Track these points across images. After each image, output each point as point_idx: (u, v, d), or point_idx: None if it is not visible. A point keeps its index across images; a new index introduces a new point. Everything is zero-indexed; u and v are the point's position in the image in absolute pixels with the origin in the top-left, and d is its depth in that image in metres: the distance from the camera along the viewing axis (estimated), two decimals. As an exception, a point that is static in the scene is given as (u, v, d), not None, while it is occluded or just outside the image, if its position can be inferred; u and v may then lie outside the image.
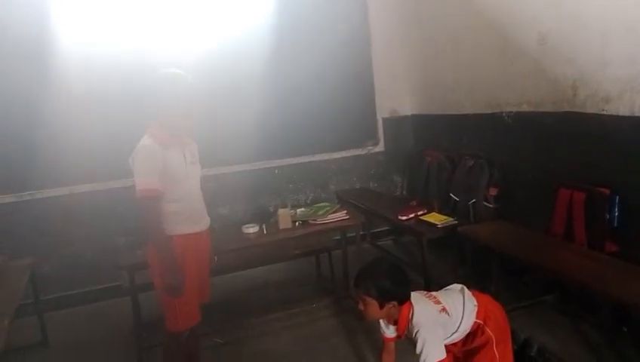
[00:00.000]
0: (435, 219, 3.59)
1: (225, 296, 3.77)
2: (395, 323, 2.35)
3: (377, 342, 2.80)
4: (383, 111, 5.00)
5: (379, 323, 2.46)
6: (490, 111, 3.89)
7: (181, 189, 2.39)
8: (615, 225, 2.89)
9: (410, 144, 5.05)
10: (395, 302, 2.25)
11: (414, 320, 2.27)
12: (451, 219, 3.57)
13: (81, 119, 3.89)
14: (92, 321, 3.79)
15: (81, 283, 4.09)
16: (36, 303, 3.42)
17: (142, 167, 2.29)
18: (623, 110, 2.82)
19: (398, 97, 5.03)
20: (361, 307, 2.31)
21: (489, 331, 2.42)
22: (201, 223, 2.50)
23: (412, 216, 3.70)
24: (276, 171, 4.62)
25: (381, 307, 2.26)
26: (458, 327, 2.39)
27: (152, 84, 2.35)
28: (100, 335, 3.55)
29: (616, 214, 2.89)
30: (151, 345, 3.09)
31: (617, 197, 2.88)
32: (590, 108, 3.04)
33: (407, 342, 2.36)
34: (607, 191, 2.91)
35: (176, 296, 2.34)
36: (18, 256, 3.53)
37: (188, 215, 2.42)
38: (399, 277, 2.27)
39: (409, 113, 5.05)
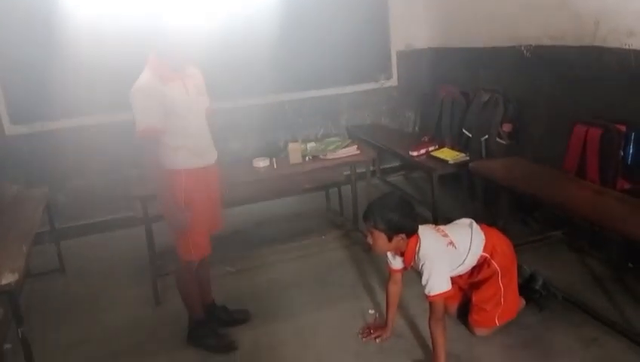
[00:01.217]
0: (447, 155, 3.56)
1: (236, 227, 3.83)
2: (402, 255, 2.39)
3: (384, 273, 2.86)
4: (397, 44, 4.85)
5: (386, 255, 2.51)
6: (509, 45, 3.76)
7: (185, 124, 2.35)
8: (629, 162, 2.86)
9: (424, 79, 4.93)
10: (402, 235, 2.28)
11: (421, 252, 2.30)
12: (463, 155, 3.54)
13: (91, 51, 3.82)
14: (107, 249, 3.90)
15: (95, 212, 4.18)
16: (52, 231, 3.51)
17: (140, 107, 2.24)
18: (647, 44, 2.72)
19: (413, 29, 4.85)
20: (369, 240, 2.35)
21: (495, 264, 2.46)
22: (208, 157, 2.49)
23: (423, 151, 3.67)
24: (287, 106, 4.57)
25: (389, 240, 2.29)
26: (464, 260, 2.43)
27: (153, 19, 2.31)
28: (115, 262, 3.66)
29: (631, 151, 2.85)
30: (165, 272, 3.19)
31: (633, 133, 2.83)
32: (612, 43, 2.93)
33: (414, 273, 2.41)
34: (623, 128, 2.86)
35: (181, 230, 2.39)
36: (33, 185, 3.60)
37: (194, 149, 2.40)
38: (407, 211, 2.29)
39: (425, 46, 4.89)
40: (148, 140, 2.27)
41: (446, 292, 2.26)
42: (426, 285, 2.26)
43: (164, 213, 2.44)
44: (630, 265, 2.99)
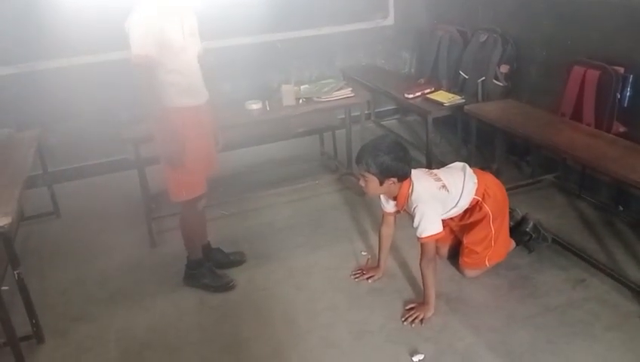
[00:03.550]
0: (442, 97, 3.51)
1: (228, 171, 3.81)
2: (395, 198, 2.40)
3: (377, 216, 2.89)
4: (394, -19, 4.67)
5: (379, 198, 2.52)
6: (509, -19, 3.63)
7: (178, 61, 2.34)
8: (625, 105, 2.83)
9: (421, 17, 4.77)
10: (394, 179, 2.28)
11: (413, 195, 2.31)
12: (459, 97, 3.49)
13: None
14: (101, 193, 3.90)
15: (88, 155, 4.13)
16: (45, 174, 3.49)
17: (137, 33, 2.22)
18: (653, -20, 2.63)
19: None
20: (362, 183, 2.35)
21: (487, 208, 2.48)
22: (199, 97, 2.46)
23: (419, 94, 3.62)
24: (279, 45, 4.44)
25: (381, 183, 2.29)
26: (457, 203, 2.45)
27: None
28: (110, 205, 3.67)
29: (628, 94, 2.81)
30: (159, 215, 3.21)
31: (631, 76, 2.78)
32: (616, -22, 2.83)
33: (406, 216, 2.43)
34: (621, 70, 2.81)
35: (176, 165, 2.37)
36: (23, 128, 3.55)
37: (185, 87, 2.38)
38: (400, 155, 2.27)
39: (422, -18, 4.72)
40: (142, 67, 2.25)
41: (437, 234, 2.29)
42: (417, 227, 2.29)
43: (160, 150, 2.41)
44: (620, 208, 3.02)
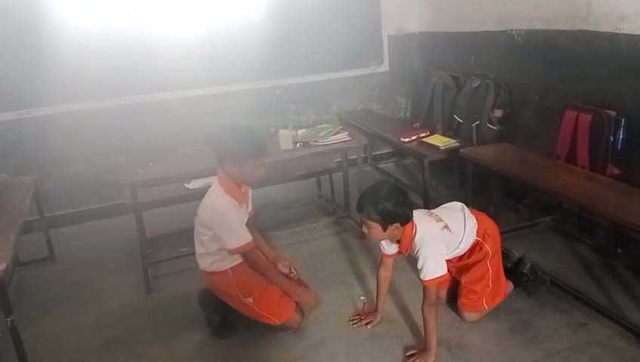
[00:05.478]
0: (438, 141, 3.56)
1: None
2: (398, 242, 2.39)
3: (375, 260, 2.87)
4: (388, 28, 4.79)
5: (379, 241, 2.50)
6: (500, 29, 3.74)
7: None
8: (619, 147, 2.87)
9: (415, 64, 4.91)
10: (397, 224, 2.27)
11: (417, 238, 2.31)
12: (454, 141, 3.53)
13: (80, 34, 3.76)
14: (97, 238, 3.87)
15: (85, 200, 4.13)
16: (41, 219, 3.48)
17: (231, 227, 2.41)
18: (639, 29, 2.70)
19: (405, 12, 4.79)
20: (364, 230, 2.34)
21: (487, 247, 2.48)
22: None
23: (414, 138, 3.66)
24: (277, 91, 4.52)
25: (384, 229, 2.28)
26: (459, 244, 2.45)
27: (228, 136, 2.44)
28: (106, 251, 3.63)
29: (621, 137, 2.85)
30: (155, 260, 3.18)
31: (623, 119, 2.84)
32: (604, 27, 2.91)
33: (405, 259, 2.42)
34: (613, 113, 2.86)
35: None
36: (21, 173, 3.55)
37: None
38: (400, 199, 2.27)
39: (416, 30, 4.86)
40: (249, 253, 2.48)
41: (441, 276, 2.27)
42: (421, 269, 2.27)
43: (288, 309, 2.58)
44: (619, 250, 3.01)
